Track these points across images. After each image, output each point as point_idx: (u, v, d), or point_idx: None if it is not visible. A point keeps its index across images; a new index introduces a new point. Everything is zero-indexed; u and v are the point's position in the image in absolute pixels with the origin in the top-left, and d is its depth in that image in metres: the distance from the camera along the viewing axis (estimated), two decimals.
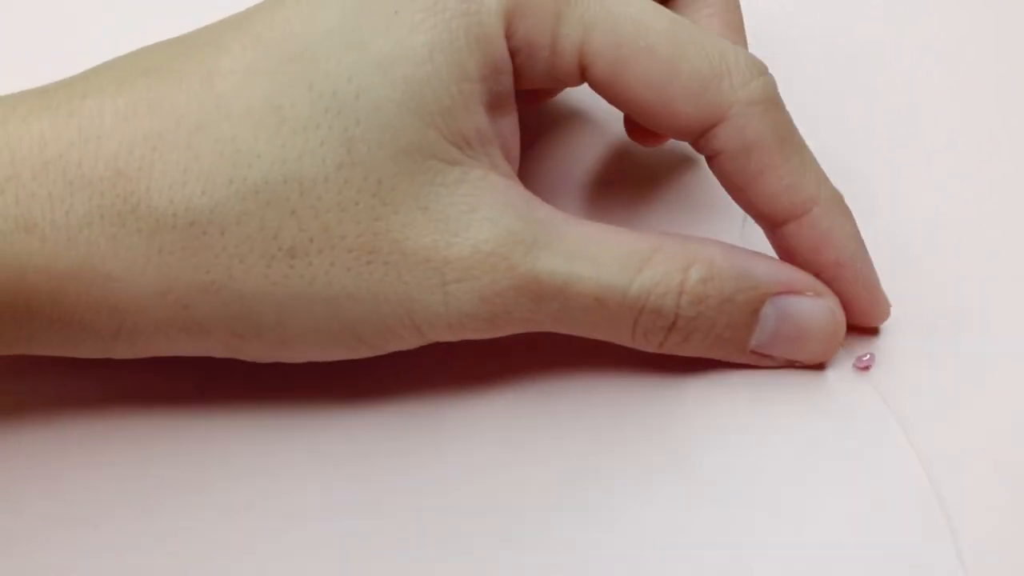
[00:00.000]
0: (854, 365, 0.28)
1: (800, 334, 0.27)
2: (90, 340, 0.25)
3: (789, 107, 0.27)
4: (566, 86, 0.28)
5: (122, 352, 0.25)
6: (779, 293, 0.27)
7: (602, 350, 0.28)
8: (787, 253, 0.27)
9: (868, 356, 0.28)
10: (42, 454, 0.27)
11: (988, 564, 0.25)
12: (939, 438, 0.27)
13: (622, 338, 0.26)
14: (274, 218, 0.24)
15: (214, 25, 0.26)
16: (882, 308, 0.28)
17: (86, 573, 0.25)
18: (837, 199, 0.27)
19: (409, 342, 0.26)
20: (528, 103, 0.32)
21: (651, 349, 0.27)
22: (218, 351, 0.26)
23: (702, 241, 0.27)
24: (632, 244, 0.26)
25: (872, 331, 0.29)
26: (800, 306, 0.27)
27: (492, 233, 0.25)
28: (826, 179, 0.27)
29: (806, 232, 0.27)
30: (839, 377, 0.28)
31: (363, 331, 0.25)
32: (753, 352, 0.27)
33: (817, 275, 0.27)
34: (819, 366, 0.28)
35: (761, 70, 0.26)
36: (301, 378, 0.28)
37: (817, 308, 0.27)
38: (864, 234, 0.28)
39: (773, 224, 0.27)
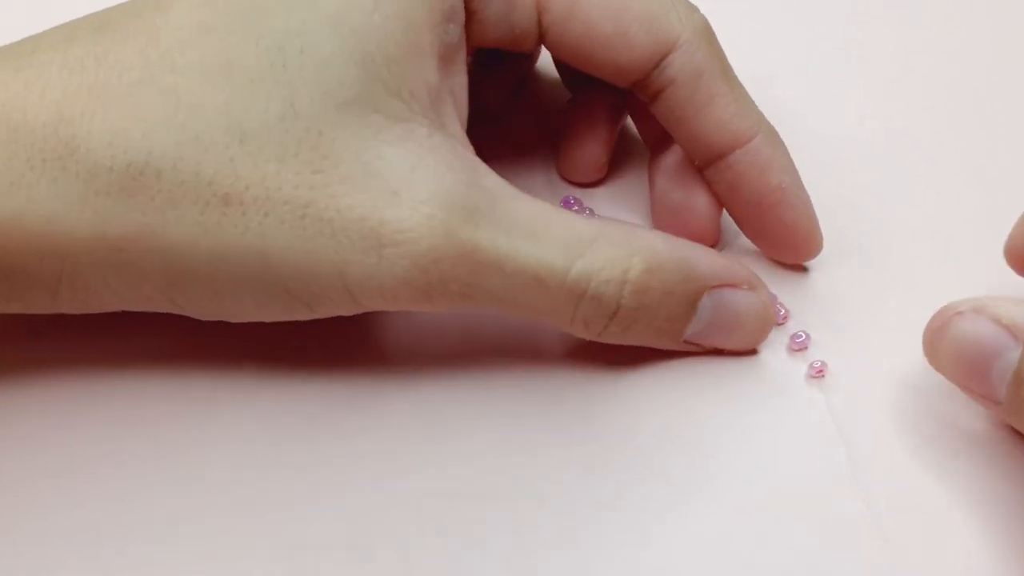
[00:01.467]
0: (789, 347, 0.28)
1: (733, 325, 0.27)
2: (35, 288, 0.25)
3: None
4: (519, 41, 0.27)
5: (68, 302, 0.25)
6: (717, 286, 0.27)
7: (537, 338, 0.28)
8: (729, 185, 0.28)
9: (804, 336, 0.28)
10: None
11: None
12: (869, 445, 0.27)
13: (560, 323, 0.26)
14: (211, 164, 0.24)
15: None
16: (817, 239, 0.29)
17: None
18: (774, 131, 0.28)
19: (343, 307, 0.25)
20: (503, 85, 0.32)
21: (589, 337, 0.26)
22: (157, 301, 0.26)
23: (645, 230, 0.27)
24: (576, 226, 0.25)
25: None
26: (735, 299, 0.27)
27: (433, 195, 0.24)
28: (760, 112, 0.28)
29: (752, 158, 0.28)
30: (793, 382, 0.28)
31: (295, 289, 0.25)
32: (686, 341, 0.27)
33: (759, 201, 0.28)
34: (750, 353, 0.28)
35: (697, 9, 0.28)
36: (251, 343, 0.28)
37: (751, 301, 0.27)
38: None
39: (718, 154, 0.28)
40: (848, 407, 0.27)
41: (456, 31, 0.26)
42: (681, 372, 0.28)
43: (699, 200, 0.29)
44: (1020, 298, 0.24)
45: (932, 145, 0.33)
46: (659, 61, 0.27)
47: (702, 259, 0.27)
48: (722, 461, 0.26)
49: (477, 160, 0.25)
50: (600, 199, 0.32)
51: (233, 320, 0.26)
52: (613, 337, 0.26)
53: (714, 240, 0.30)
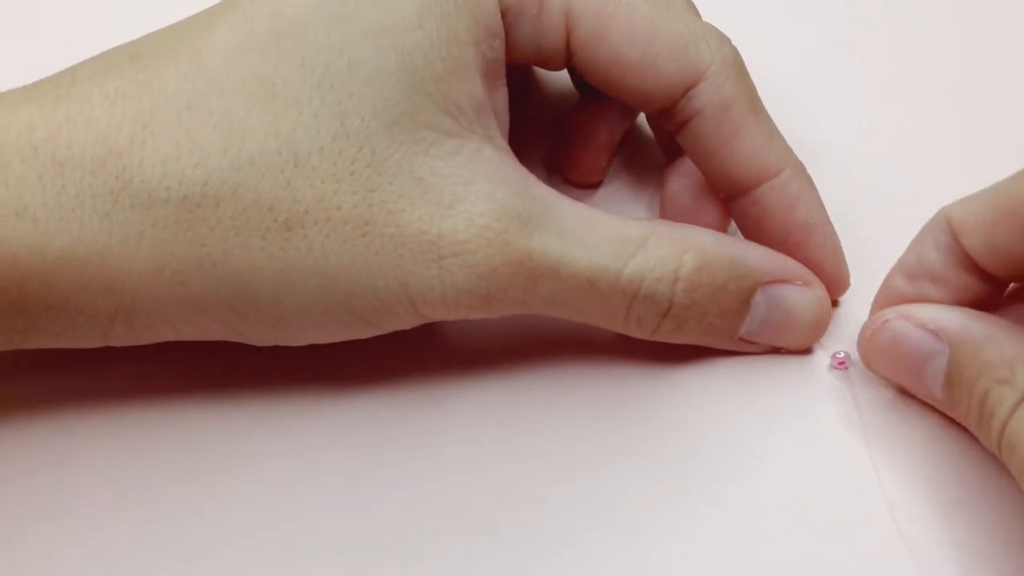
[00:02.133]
0: (831, 364, 0.28)
1: (788, 322, 0.27)
2: (88, 324, 0.24)
3: None
4: (546, 62, 0.27)
5: (120, 336, 0.25)
6: (770, 282, 0.27)
7: (589, 340, 0.28)
8: (756, 220, 0.28)
9: (844, 354, 0.28)
10: (44, 450, 0.27)
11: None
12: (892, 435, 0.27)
13: (615, 323, 0.26)
14: (269, 189, 0.24)
15: (201, 12, 0.26)
16: (845, 275, 0.29)
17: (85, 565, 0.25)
18: (802, 166, 0.28)
19: (405, 320, 0.25)
20: (511, 83, 0.32)
21: (643, 336, 0.27)
22: (216, 331, 0.25)
23: (694, 229, 0.27)
24: (626, 228, 0.26)
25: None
26: (790, 295, 0.27)
27: (488, 207, 0.24)
28: (789, 146, 0.28)
29: (778, 193, 0.27)
30: (815, 373, 0.28)
31: (358, 306, 0.25)
32: (740, 339, 0.27)
33: (786, 238, 0.27)
34: (803, 352, 0.28)
35: (728, 39, 0.27)
36: (299, 367, 0.27)
37: (806, 297, 0.27)
38: None
39: (743, 188, 0.27)
40: (870, 397, 0.27)
41: (499, 47, 0.26)
42: (704, 366, 0.28)
43: (708, 212, 0.29)
44: (941, 303, 0.25)
45: (938, 148, 0.33)
46: (686, 91, 0.27)
47: (754, 255, 0.27)
48: (746, 454, 0.27)
49: (525, 171, 0.26)
50: (600, 200, 0.32)
51: (291, 344, 0.26)
52: (666, 335, 0.27)
53: None
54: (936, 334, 0.25)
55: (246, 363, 0.28)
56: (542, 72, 0.34)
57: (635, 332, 0.27)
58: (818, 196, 0.28)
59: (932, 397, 0.26)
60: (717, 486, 0.26)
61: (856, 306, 0.29)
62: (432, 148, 0.24)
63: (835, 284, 0.28)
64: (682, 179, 0.30)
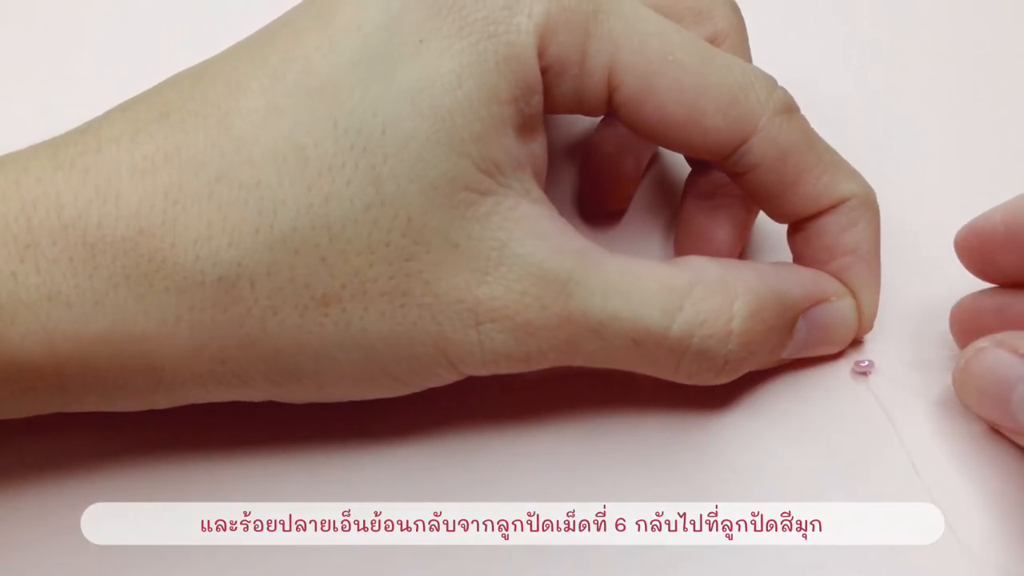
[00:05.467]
0: (853, 371, 0.28)
1: (826, 339, 0.27)
2: (128, 398, 0.24)
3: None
4: (587, 113, 0.26)
5: (162, 404, 0.25)
6: (810, 306, 0.27)
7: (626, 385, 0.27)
8: (804, 238, 0.27)
9: (867, 363, 0.28)
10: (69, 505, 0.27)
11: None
12: (929, 438, 0.27)
13: (662, 375, 0.26)
14: (304, 267, 0.23)
15: (229, 56, 0.25)
16: (872, 314, 0.28)
17: None
18: (870, 195, 0.27)
19: (445, 378, 0.25)
20: None
21: (690, 381, 0.26)
22: (257, 397, 0.25)
23: (737, 265, 0.26)
24: (669, 278, 0.25)
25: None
26: (827, 313, 0.27)
27: (524, 272, 0.24)
28: (858, 173, 0.27)
29: (836, 218, 0.27)
30: (838, 382, 0.28)
31: (399, 372, 0.25)
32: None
33: (827, 260, 0.27)
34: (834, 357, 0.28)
35: (776, 82, 0.26)
36: (328, 417, 0.27)
37: (841, 312, 0.27)
38: None
39: (805, 221, 0.27)
40: (897, 402, 0.28)
41: (538, 102, 0.25)
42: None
43: (721, 232, 0.29)
44: None
45: (938, 148, 0.34)
46: (738, 146, 0.26)
47: (796, 284, 0.26)
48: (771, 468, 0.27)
49: (564, 222, 0.25)
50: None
51: (329, 401, 0.26)
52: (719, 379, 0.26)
53: None
54: None
55: (263, 414, 0.27)
56: None
57: (684, 381, 0.26)
58: (876, 230, 0.27)
59: (1016, 430, 0.25)
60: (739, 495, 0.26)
61: None
62: (469, 210, 0.24)
63: (864, 325, 0.28)
64: (697, 200, 0.30)
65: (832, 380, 0.28)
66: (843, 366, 0.28)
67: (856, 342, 0.28)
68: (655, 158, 0.33)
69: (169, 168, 0.23)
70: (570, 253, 0.25)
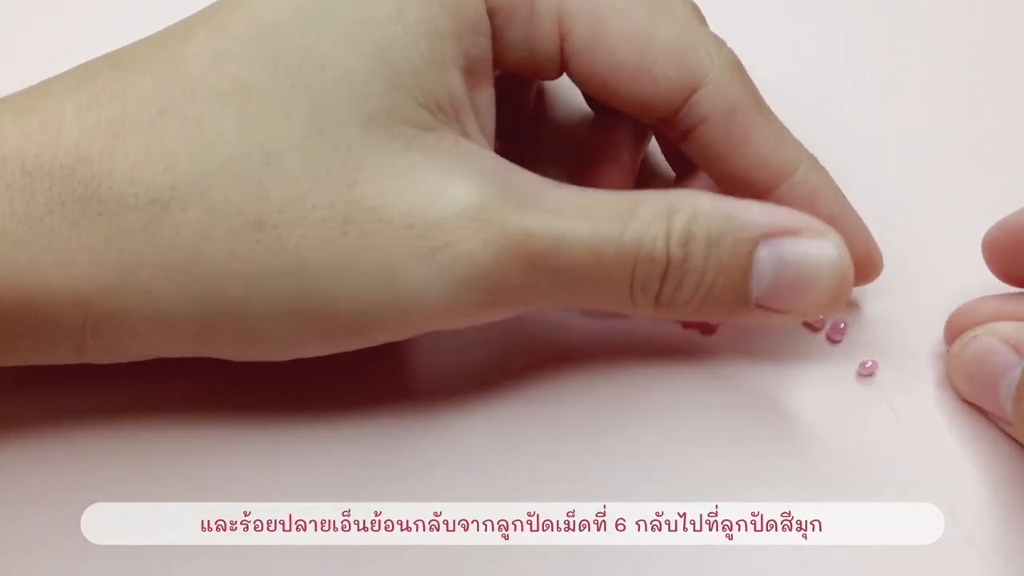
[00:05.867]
0: (858, 372, 0.28)
1: (803, 279, 0.25)
2: (58, 338, 0.24)
3: None
4: (542, 69, 0.26)
5: (93, 352, 0.24)
6: (773, 235, 0.24)
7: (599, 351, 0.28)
8: None
9: (871, 363, 0.28)
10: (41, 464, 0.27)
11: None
12: (935, 438, 0.27)
13: (622, 298, 0.25)
14: (239, 191, 0.23)
15: (182, 20, 0.26)
16: (878, 258, 0.28)
17: None
18: (815, 159, 0.27)
19: (394, 328, 0.24)
20: (517, 101, 0.32)
21: (649, 308, 0.25)
22: (188, 346, 0.24)
23: (691, 191, 0.25)
24: (616, 198, 0.25)
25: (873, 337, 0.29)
26: (799, 248, 0.24)
27: (477, 193, 0.23)
28: (799, 141, 0.27)
29: (797, 191, 0.27)
30: (843, 382, 0.28)
31: (341, 311, 0.23)
32: (758, 306, 0.25)
33: None
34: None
35: (725, 42, 0.27)
36: (328, 417, 0.27)
37: (820, 249, 0.25)
38: None
39: (761, 191, 0.27)
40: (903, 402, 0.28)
41: (484, 44, 0.25)
42: (725, 373, 0.28)
43: (622, 152, 0.29)
44: None
45: (938, 149, 0.34)
46: (687, 97, 0.26)
47: (751, 208, 0.25)
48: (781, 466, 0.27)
49: (508, 162, 0.25)
50: None
51: (270, 359, 0.25)
52: (672, 303, 0.25)
53: None
54: (1017, 349, 0.25)
55: (223, 386, 0.27)
56: (555, 93, 0.34)
57: (642, 304, 0.25)
58: (836, 187, 0.27)
59: (1003, 417, 0.26)
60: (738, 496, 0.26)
61: (870, 307, 0.29)
62: (412, 142, 0.24)
63: (868, 267, 0.28)
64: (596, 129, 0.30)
65: (836, 380, 0.28)
66: (847, 366, 0.29)
67: (861, 344, 0.28)
68: (647, 158, 0.33)
69: (113, 105, 0.23)
70: (518, 184, 0.24)
